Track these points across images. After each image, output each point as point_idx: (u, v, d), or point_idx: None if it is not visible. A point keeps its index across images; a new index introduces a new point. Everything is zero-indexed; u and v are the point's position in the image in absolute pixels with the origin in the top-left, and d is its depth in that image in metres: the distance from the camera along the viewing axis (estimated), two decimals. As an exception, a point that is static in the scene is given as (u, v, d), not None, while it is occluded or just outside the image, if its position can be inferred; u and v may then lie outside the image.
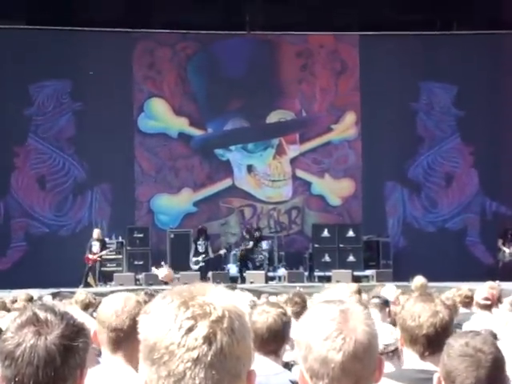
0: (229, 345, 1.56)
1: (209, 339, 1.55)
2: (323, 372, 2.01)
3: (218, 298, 1.59)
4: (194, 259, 21.30)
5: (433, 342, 3.40)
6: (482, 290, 7.57)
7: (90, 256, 20.59)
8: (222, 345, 1.55)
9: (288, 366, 4.51)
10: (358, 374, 2.03)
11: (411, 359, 3.47)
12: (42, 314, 2.14)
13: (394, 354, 4.70)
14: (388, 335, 4.78)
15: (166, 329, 1.56)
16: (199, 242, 21.51)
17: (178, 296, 1.59)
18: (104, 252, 20.77)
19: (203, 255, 21.29)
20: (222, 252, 21.55)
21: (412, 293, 9.60)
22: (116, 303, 3.47)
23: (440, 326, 3.43)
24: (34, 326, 2.12)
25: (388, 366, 3.56)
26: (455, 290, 8.52)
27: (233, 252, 21.84)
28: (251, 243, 21.39)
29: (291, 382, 3.83)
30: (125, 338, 3.36)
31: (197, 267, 21.09)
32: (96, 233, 20.96)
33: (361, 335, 2.04)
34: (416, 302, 3.52)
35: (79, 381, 2.14)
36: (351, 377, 2.02)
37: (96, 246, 20.73)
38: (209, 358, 1.54)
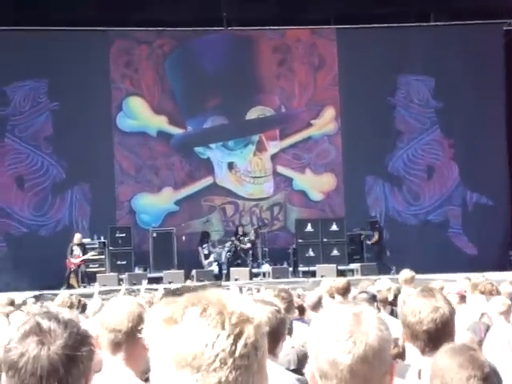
0: (265, 349, 1.60)
1: (255, 346, 1.58)
2: (332, 373, 2.03)
3: (240, 303, 1.61)
4: (207, 262, 21.32)
5: (433, 337, 3.44)
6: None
7: (73, 260, 20.48)
8: (263, 350, 1.59)
9: None
10: (366, 376, 2.04)
11: (413, 355, 3.46)
12: (45, 324, 2.12)
13: None
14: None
15: (214, 336, 1.56)
16: (204, 246, 21.54)
17: (212, 305, 1.59)
18: (87, 256, 20.68)
19: (212, 255, 21.34)
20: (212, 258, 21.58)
21: (404, 285, 9.61)
22: (116, 306, 3.52)
23: (440, 321, 3.43)
24: (37, 336, 2.10)
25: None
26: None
27: (217, 249, 21.79)
28: (249, 244, 21.44)
29: (297, 380, 3.80)
30: (124, 340, 3.37)
31: (212, 267, 21.14)
32: (77, 238, 20.89)
33: (372, 339, 2.05)
34: (417, 298, 3.50)
35: None
36: (359, 379, 2.03)
37: (77, 251, 20.65)
38: (256, 365, 1.58)
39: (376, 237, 21.72)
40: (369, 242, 21.68)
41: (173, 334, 1.58)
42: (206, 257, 21.48)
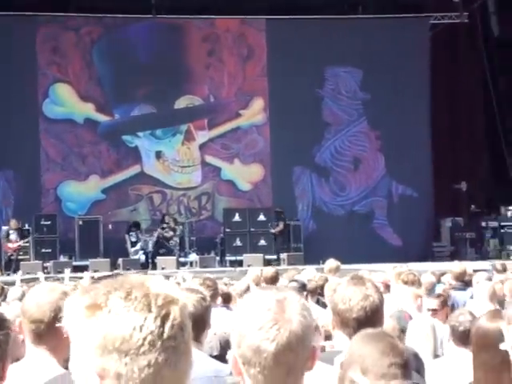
0: (190, 330, 1.60)
1: (181, 327, 1.58)
2: (255, 361, 2.02)
3: (164, 286, 1.61)
4: (133, 249, 21.15)
5: (363, 324, 3.46)
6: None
7: (10, 245, 20.24)
8: (189, 331, 1.59)
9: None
10: (290, 363, 2.03)
11: (342, 342, 3.50)
12: None
13: None
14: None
15: (141, 319, 1.55)
16: (131, 233, 21.37)
17: (135, 289, 1.58)
18: (25, 240, 20.54)
19: (139, 243, 21.19)
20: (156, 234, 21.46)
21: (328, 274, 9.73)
22: (39, 294, 3.40)
23: (370, 309, 3.47)
24: None
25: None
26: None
27: (143, 238, 21.66)
28: (171, 232, 21.35)
29: (216, 370, 3.80)
30: (47, 330, 3.28)
31: (138, 256, 20.95)
32: (13, 223, 20.73)
33: (296, 326, 2.04)
34: (348, 286, 3.54)
35: (1, 373, 2.06)
36: (283, 366, 2.02)
37: (14, 235, 20.45)
38: (182, 345, 1.57)
39: (281, 226, 21.88)
40: (273, 231, 21.81)
41: (97, 320, 1.56)
42: (133, 244, 21.36)
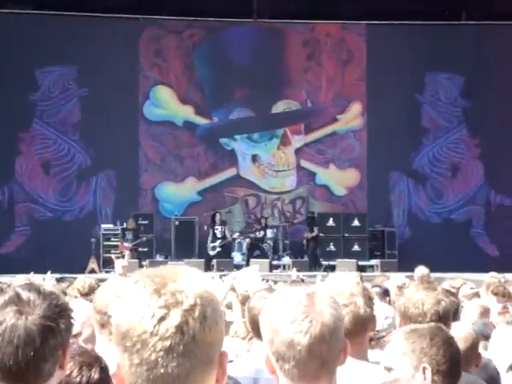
0: (201, 333, 1.55)
1: (181, 328, 1.54)
2: (289, 355, 2.02)
3: (189, 283, 1.57)
4: (212, 245, 21.38)
5: None
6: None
7: (126, 244, 20.74)
8: (194, 333, 1.54)
9: None
10: (324, 356, 2.04)
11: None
12: (24, 294, 2.14)
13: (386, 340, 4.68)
14: (380, 321, 4.76)
15: (139, 317, 1.55)
16: (216, 227, 21.57)
17: (151, 282, 1.57)
18: (139, 241, 20.96)
19: (220, 240, 21.38)
20: (236, 235, 21.63)
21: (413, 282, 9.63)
22: (107, 289, 3.62)
23: (443, 314, 3.49)
24: (15, 306, 2.12)
25: (376, 352, 3.55)
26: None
27: (238, 240, 21.84)
28: (262, 232, 21.50)
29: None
30: (108, 321, 3.46)
31: (214, 252, 21.20)
32: (130, 223, 21.21)
33: (327, 318, 2.05)
34: (418, 290, 3.53)
35: (61, 360, 2.14)
36: (317, 359, 2.03)
37: (129, 235, 21.00)
38: (181, 347, 1.53)
39: (316, 231, 21.72)
40: (309, 235, 21.66)
41: (116, 309, 1.59)
42: (215, 239, 21.43)
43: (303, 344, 2.02)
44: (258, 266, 10.75)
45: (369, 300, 3.10)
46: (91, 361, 2.61)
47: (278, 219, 22.92)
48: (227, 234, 21.58)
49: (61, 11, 22.02)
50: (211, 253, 21.24)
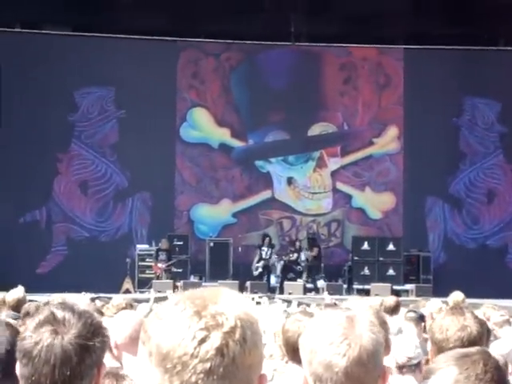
0: (241, 355, 1.55)
1: (221, 351, 1.53)
2: (327, 376, 2.03)
3: (230, 306, 1.57)
4: (256, 265, 21.44)
5: None
6: None
7: (159, 265, 20.81)
8: (234, 356, 1.54)
9: None
10: (361, 379, 2.04)
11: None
12: (59, 313, 2.17)
13: (417, 367, 4.69)
14: (412, 348, 4.76)
15: (180, 338, 1.54)
16: (263, 248, 21.63)
17: (191, 304, 1.57)
18: (172, 261, 21.03)
19: (263, 261, 21.43)
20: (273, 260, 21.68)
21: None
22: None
23: (468, 340, 3.40)
24: (51, 326, 2.15)
25: (410, 380, 3.54)
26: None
27: (271, 262, 21.84)
28: (295, 255, 21.50)
29: None
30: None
31: (257, 273, 21.27)
32: (164, 243, 21.25)
33: (366, 341, 2.06)
34: (446, 316, 3.51)
35: (96, 379, 2.16)
36: (354, 382, 2.03)
37: (163, 256, 21.02)
38: (221, 370, 1.53)
39: (315, 252, 21.61)
40: (309, 254, 21.54)
41: (156, 331, 1.58)
42: (261, 260, 21.49)
43: (341, 366, 2.02)
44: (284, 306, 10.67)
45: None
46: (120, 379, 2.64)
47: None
48: (273, 256, 21.62)
49: (98, 33, 22.29)
50: (254, 273, 21.30)
